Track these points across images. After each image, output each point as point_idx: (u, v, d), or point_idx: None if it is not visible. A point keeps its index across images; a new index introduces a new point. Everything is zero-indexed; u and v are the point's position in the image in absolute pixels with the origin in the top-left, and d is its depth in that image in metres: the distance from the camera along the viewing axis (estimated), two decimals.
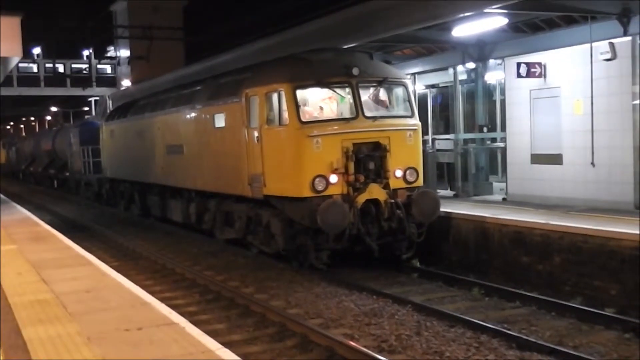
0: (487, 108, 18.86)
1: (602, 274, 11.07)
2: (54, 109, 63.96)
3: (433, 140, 20.07)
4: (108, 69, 46.32)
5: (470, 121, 19.24)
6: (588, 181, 14.53)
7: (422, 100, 20.42)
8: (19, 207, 21.46)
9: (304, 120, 12.76)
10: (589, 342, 8.98)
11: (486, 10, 13.67)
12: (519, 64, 15.54)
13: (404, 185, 13.20)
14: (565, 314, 10.28)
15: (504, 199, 16.73)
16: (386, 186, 12.91)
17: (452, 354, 8.54)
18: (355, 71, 13.01)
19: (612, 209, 13.54)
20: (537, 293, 11.47)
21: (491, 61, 17.90)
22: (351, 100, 13.05)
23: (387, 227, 12.84)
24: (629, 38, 13.52)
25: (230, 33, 32.58)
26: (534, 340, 8.92)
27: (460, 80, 19.03)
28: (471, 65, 18.35)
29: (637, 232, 10.74)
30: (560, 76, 15.15)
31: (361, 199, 12.63)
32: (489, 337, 9.13)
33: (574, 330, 9.56)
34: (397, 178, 13.09)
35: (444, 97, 21.01)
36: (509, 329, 9.40)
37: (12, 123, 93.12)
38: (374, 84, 13.48)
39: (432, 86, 21.05)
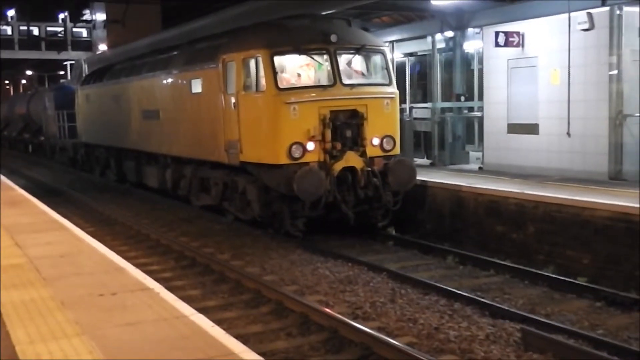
0: (464, 77, 18.85)
1: (575, 244, 11.20)
2: (28, 72, 63.03)
3: (410, 108, 20.07)
4: (84, 32, 45.56)
5: (447, 90, 19.23)
6: (563, 151, 14.63)
7: (400, 69, 20.36)
8: None
9: (281, 86, 12.68)
10: (561, 310, 9.09)
11: None
12: (497, 33, 15.51)
13: (380, 153, 13.20)
14: (538, 283, 10.39)
15: (480, 168, 16.82)
16: (363, 154, 12.90)
17: (425, 321, 8.61)
18: (333, 38, 12.92)
19: (586, 179, 13.65)
20: (511, 262, 11.58)
21: (469, 30, 17.86)
22: (329, 68, 12.97)
23: (363, 195, 12.86)
24: (607, 8, 13.54)
25: None
26: (506, 308, 9.02)
27: (439, 49, 18.97)
28: (449, 33, 18.30)
29: (611, 202, 10.88)
30: (538, 46, 15.16)
31: (338, 166, 12.62)
32: (462, 304, 9.22)
33: (546, 299, 9.67)
34: (374, 146, 13.08)
35: (422, 66, 20.97)
36: (482, 297, 9.48)
37: None
38: (352, 51, 13.40)
39: (411, 54, 21.00)
